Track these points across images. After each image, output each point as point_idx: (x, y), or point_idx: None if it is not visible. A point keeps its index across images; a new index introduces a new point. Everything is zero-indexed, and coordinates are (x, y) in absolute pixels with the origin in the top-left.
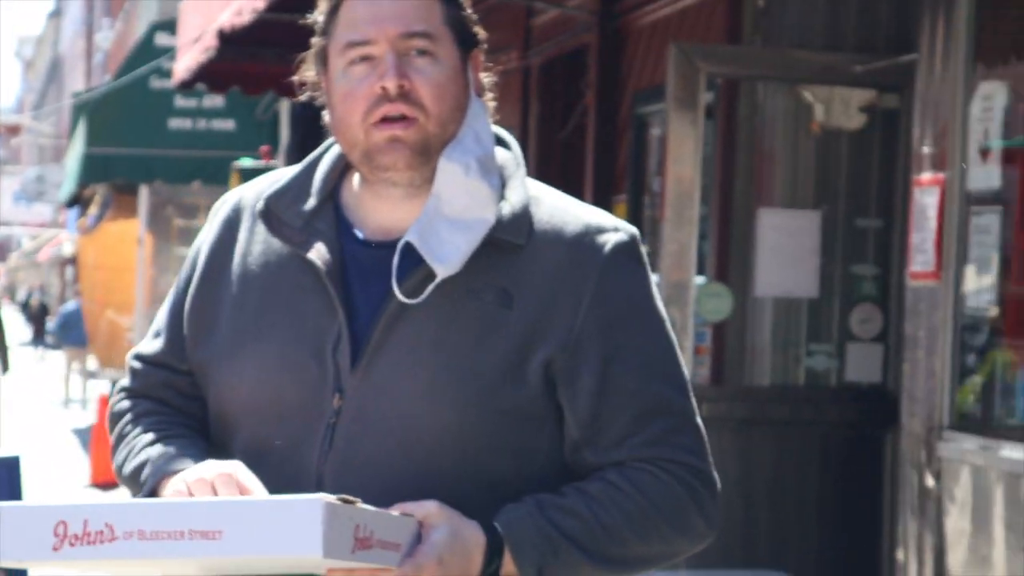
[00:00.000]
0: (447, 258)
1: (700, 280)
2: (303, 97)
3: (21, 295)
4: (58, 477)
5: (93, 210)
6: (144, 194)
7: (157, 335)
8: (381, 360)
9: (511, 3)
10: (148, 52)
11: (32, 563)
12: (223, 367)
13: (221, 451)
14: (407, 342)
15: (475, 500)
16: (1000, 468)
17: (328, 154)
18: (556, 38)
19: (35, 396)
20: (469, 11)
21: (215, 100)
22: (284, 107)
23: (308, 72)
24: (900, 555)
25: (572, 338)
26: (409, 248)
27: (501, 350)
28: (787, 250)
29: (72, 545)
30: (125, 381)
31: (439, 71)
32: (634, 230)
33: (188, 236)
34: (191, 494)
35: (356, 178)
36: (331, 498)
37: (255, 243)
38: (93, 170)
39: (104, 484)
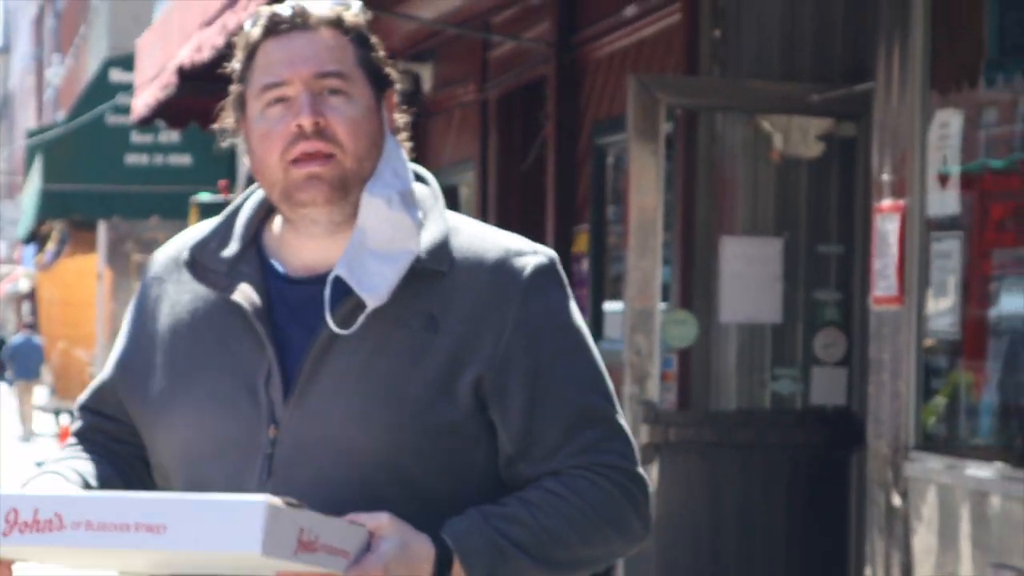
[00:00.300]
0: (376, 288)
1: (663, 307)
2: (225, 144)
3: None
4: None
5: (51, 246)
6: (103, 230)
7: (95, 386)
8: (313, 390)
9: (468, 36)
10: (102, 88)
11: None
12: (159, 416)
13: None
14: (338, 371)
15: (414, 519)
16: (966, 487)
17: (250, 200)
18: (513, 70)
19: None
20: (381, 53)
21: (171, 135)
22: (241, 141)
23: (228, 119)
24: (868, 573)
25: (498, 357)
26: (337, 282)
27: (430, 373)
28: (750, 277)
29: (21, 532)
30: (73, 427)
31: (353, 109)
32: (552, 253)
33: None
34: None
35: (278, 221)
36: (275, 499)
37: (183, 294)
38: (51, 206)
39: None
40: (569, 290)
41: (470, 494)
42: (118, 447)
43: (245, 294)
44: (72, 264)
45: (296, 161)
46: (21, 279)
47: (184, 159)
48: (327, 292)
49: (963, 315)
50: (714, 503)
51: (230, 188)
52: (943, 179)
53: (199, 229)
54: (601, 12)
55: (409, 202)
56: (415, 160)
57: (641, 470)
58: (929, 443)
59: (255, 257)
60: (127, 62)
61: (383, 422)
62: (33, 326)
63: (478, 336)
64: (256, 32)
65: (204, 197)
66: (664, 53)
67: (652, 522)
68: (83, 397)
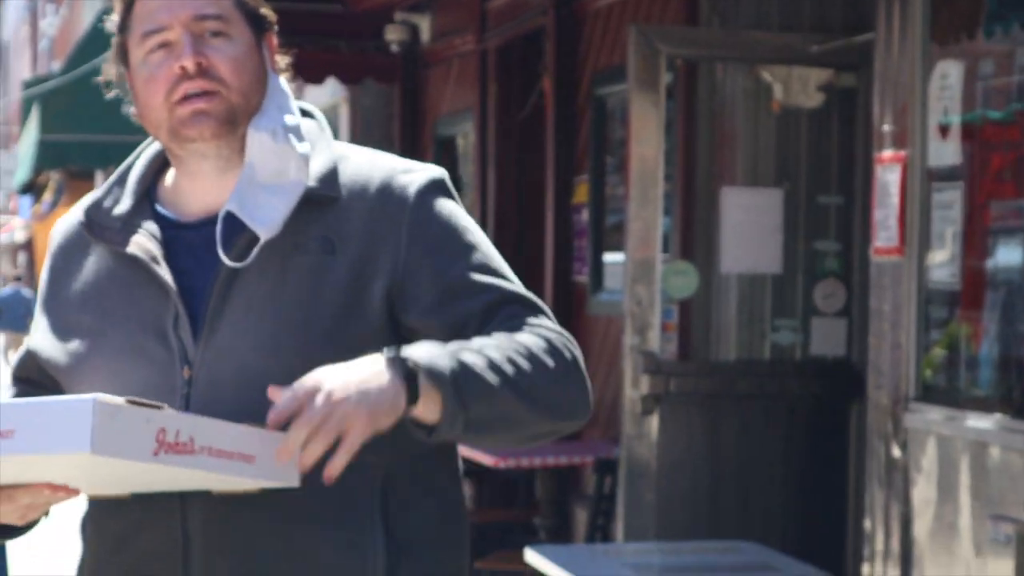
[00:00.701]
0: (268, 221)
1: (664, 258)
2: (111, 95)
3: None
4: None
5: (47, 196)
6: (99, 180)
7: (20, 355)
8: (221, 325)
9: None
10: (99, 38)
11: None
12: (77, 374)
13: None
14: (243, 305)
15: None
16: (966, 438)
17: (142, 156)
18: (512, 20)
19: None
20: None
21: None
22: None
23: (110, 71)
24: (867, 524)
25: (400, 265)
26: (231, 218)
27: (333, 293)
28: (750, 228)
29: None
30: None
31: (234, 48)
32: (440, 170)
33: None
34: None
35: (171, 172)
36: (111, 398)
37: (87, 257)
38: (47, 157)
39: None
40: (458, 200)
41: None
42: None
43: (140, 244)
44: None
45: (181, 101)
46: (17, 230)
47: None
48: (219, 229)
49: (963, 266)
50: (714, 454)
51: None
52: (943, 130)
53: (94, 192)
54: None
55: (295, 134)
56: (416, 112)
57: (578, 351)
58: (929, 394)
59: (148, 209)
60: None
61: (292, 346)
62: (20, 278)
63: (376, 251)
64: None
65: None
66: (663, 4)
67: (584, 372)
68: (13, 367)
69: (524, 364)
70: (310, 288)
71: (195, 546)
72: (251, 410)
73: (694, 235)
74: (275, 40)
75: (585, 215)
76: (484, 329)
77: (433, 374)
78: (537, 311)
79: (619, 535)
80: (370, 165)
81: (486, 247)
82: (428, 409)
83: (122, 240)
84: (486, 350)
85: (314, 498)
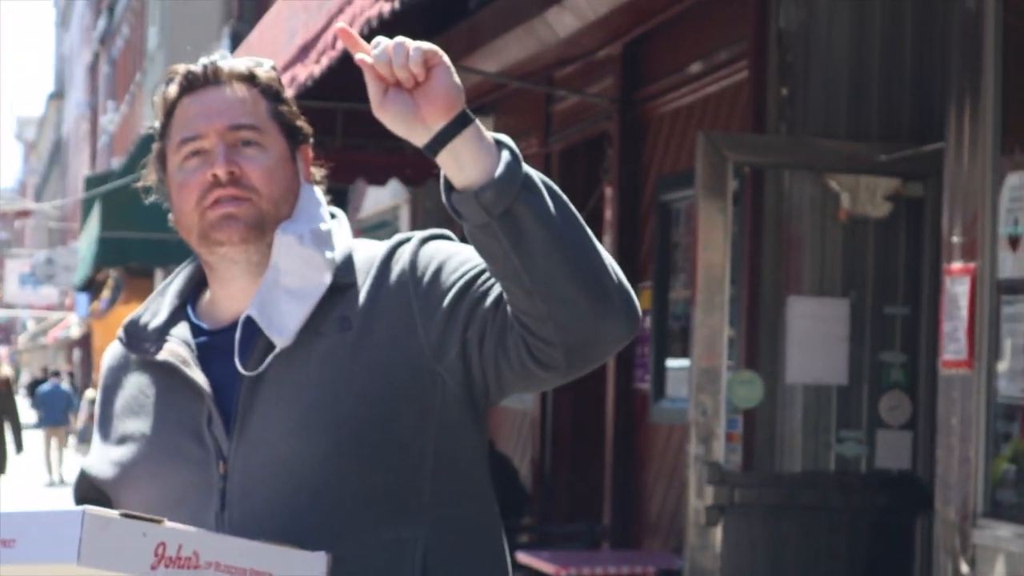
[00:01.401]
0: (284, 329)
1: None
2: (149, 201)
3: (25, 378)
4: None
5: (105, 294)
6: (159, 277)
7: (77, 474)
8: (252, 419)
9: (531, 90)
10: None
11: None
12: (121, 482)
13: None
14: (272, 396)
15: (376, 506)
16: None
17: (182, 272)
18: (577, 124)
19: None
20: (294, 108)
21: None
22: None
23: (151, 176)
24: None
25: (420, 329)
26: (251, 321)
27: (356, 370)
28: (816, 337)
29: None
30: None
31: (267, 158)
32: (429, 232)
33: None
34: None
35: (208, 290)
36: (102, 511)
37: (129, 374)
38: (108, 254)
39: None
40: (441, 242)
41: (427, 484)
42: None
43: (172, 351)
44: (127, 312)
45: (212, 205)
46: (73, 326)
47: None
48: (237, 336)
49: None
50: (777, 566)
51: None
52: (1013, 241)
53: (136, 310)
54: (666, 68)
55: (321, 239)
56: None
57: None
58: (998, 510)
59: (182, 319)
60: None
61: (321, 429)
62: (58, 374)
63: (392, 315)
64: (173, 90)
65: None
66: (730, 110)
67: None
68: (73, 488)
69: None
70: (332, 369)
71: None
72: (286, 496)
73: (759, 343)
74: (310, 152)
75: (648, 321)
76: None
77: (499, 140)
78: None
79: None
80: (375, 250)
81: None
82: (479, 161)
83: (156, 349)
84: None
85: (354, 574)
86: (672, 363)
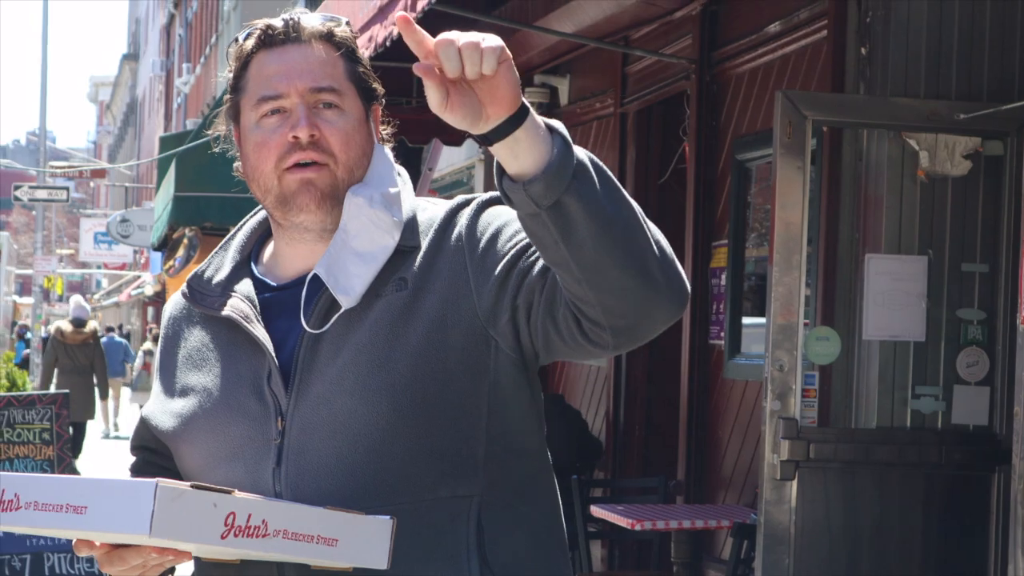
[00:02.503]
0: (350, 290)
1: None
2: (217, 150)
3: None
4: None
5: (180, 252)
6: None
7: (137, 426)
8: (311, 376)
9: (608, 50)
10: None
11: None
12: (181, 434)
13: None
14: (330, 354)
15: (432, 465)
16: None
17: (245, 227)
18: (653, 85)
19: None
20: (368, 68)
21: None
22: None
23: (220, 126)
24: None
25: (475, 293)
26: (317, 280)
27: (412, 331)
28: (894, 295)
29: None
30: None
31: (345, 121)
32: (485, 195)
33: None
34: None
35: (272, 245)
36: (174, 483)
37: (192, 327)
38: (183, 213)
39: None
40: (501, 208)
41: (481, 445)
42: (168, 473)
43: (235, 307)
44: None
45: (291, 169)
46: (147, 284)
47: None
48: (304, 292)
49: None
50: (852, 521)
51: None
52: None
53: (200, 264)
54: (744, 28)
55: (390, 201)
56: None
57: None
58: None
59: (246, 274)
60: None
61: (377, 387)
62: (112, 328)
63: (453, 289)
64: (250, 43)
65: None
66: (808, 70)
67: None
68: (131, 438)
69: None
70: (389, 329)
71: None
72: (342, 453)
73: (836, 301)
74: (380, 112)
75: (723, 279)
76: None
77: (551, 126)
78: None
79: None
80: (437, 209)
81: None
82: (533, 150)
83: (219, 304)
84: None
85: (411, 531)
86: (746, 320)
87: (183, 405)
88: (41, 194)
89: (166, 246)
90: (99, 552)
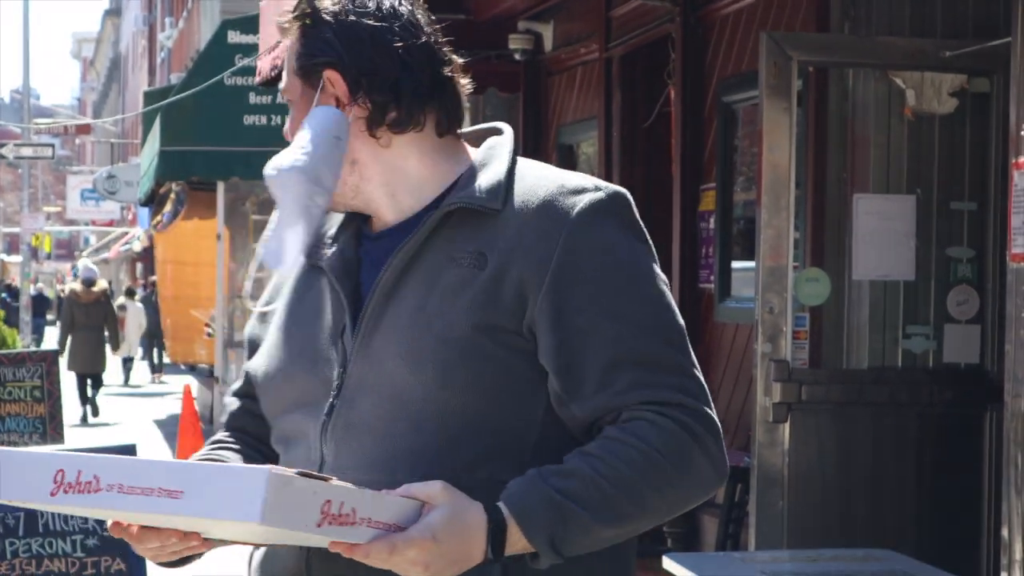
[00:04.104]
0: (282, 259)
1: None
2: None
3: None
4: None
5: (168, 207)
6: (221, 190)
7: (241, 374)
8: (375, 334)
9: None
10: (221, 50)
11: (30, 504)
12: (266, 381)
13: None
14: (396, 313)
15: (475, 446)
16: None
17: None
18: (637, 28)
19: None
20: (324, 32)
21: None
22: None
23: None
24: (1005, 533)
25: (541, 293)
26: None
27: (473, 308)
28: (883, 234)
29: (66, 492)
30: (222, 418)
31: (298, 113)
32: (619, 190)
33: (264, 231)
34: None
35: None
36: (282, 470)
37: (299, 275)
38: (170, 168)
39: None
40: (633, 228)
41: (533, 433)
42: (263, 427)
43: (331, 258)
44: (189, 225)
45: None
46: (135, 240)
47: None
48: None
49: None
50: (845, 461)
51: None
52: None
53: None
54: None
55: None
56: (539, 120)
57: (709, 409)
58: None
59: (355, 224)
60: (244, 24)
61: (429, 357)
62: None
63: (523, 273)
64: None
65: None
66: (793, 10)
67: (726, 466)
68: (234, 386)
69: (636, 486)
70: (454, 301)
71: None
72: (386, 417)
73: (825, 242)
74: (333, 75)
75: (712, 222)
76: (602, 394)
77: (529, 532)
78: (672, 373)
79: (750, 543)
80: (541, 181)
81: (636, 289)
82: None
83: (319, 255)
84: (588, 486)
85: None
86: (736, 264)
87: (275, 350)
88: (26, 151)
89: (153, 201)
90: (130, 532)
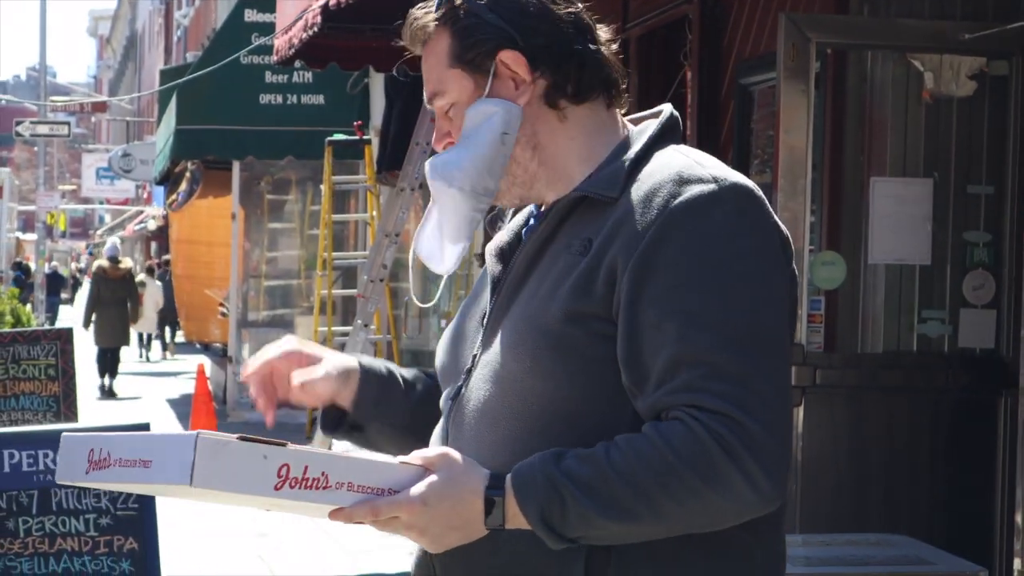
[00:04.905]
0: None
1: (810, 248)
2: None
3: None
4: None
5: (183, 186)
6: (236, 169)
7: None
8: (501, 316)
9: None
10: (237, 29)
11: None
12: (437, 359)
13: None
14: (519, 300)
15: (564, 438)
16: None
17: None
18: (655, 9)
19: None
20: (478, 21)
21: (305, 75)
22: (376, 81)
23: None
24: (1019, 519)
25: (624, 279)
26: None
27: (571, 293)
28: (899, 218)
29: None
30: None
31: (458, 114)
32: (739, 183)
33: (279, 210)
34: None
35: None
36: (218, 434)
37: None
38: (186, 146)
39: None
40: (747, 223)
41: (623, 424)
42: None
43: (495, 240)
44: (204, 204)
45: None
46: (150, 219)
47: (317, 99)
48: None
49: None
50: (859, 446)
51: (364, 128)
52: None
53: None
54: None
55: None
56: None
57: (759, 427)
58: None
59: (534, 209)
60: (261, 3)
61: (527, 347)
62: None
63: (616, 259)
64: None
65: (339, 137)
66: None
67: (769, 484)
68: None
69: (648, 485)
70: (557, 288)
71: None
72: (486, 398)
73: (841, 225)
74: (512, 56)
75: None
76: (656, 392)
77: (522, 504)
78: (726, 380)
79: None
80: (663, 168)
81: (716, 290)
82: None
83: (492, 238)
84: (596, 475)
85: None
86: None
87: (446, 334)
88: (42, 129)
89: (168, 180)
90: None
